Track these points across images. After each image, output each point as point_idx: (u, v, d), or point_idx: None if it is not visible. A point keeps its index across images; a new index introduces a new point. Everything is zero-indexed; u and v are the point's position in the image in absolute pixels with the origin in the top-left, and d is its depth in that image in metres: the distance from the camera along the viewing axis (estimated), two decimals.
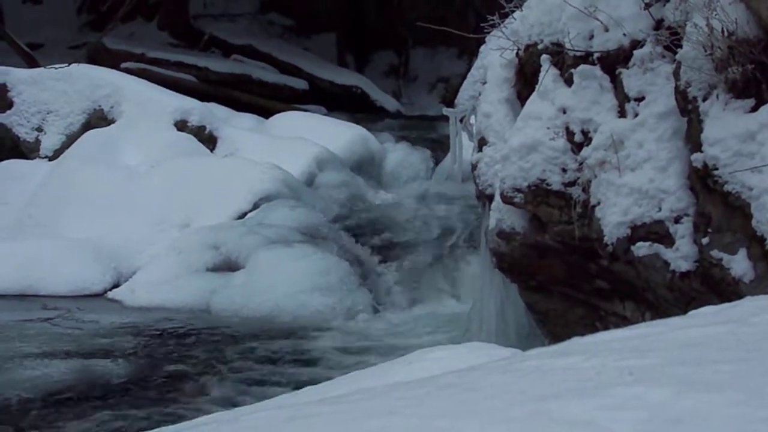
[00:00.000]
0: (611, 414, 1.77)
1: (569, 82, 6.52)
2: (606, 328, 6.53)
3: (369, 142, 13.19)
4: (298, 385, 6.80)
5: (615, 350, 2.36)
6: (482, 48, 10.12)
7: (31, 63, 15.37)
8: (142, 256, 10.45)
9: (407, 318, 9.28)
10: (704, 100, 5.52)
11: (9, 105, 12.86)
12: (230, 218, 10.79)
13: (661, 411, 1.77)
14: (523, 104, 6.97)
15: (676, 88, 5.74)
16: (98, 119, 12.66)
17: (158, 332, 8.82)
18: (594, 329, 6.60)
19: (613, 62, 6.31)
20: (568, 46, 6.48)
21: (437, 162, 13.03)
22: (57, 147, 12.55)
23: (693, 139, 5.60)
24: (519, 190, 6.61)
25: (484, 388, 2.16)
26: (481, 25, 7.61)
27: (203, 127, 12.56)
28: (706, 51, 5.47)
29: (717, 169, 5.35)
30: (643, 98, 6.10)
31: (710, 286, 5.59)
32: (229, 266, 9.96)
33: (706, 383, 1.89)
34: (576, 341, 2.72)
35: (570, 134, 6.43)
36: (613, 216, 6.03)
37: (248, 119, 14.00)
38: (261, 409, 3.46)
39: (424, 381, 2.53)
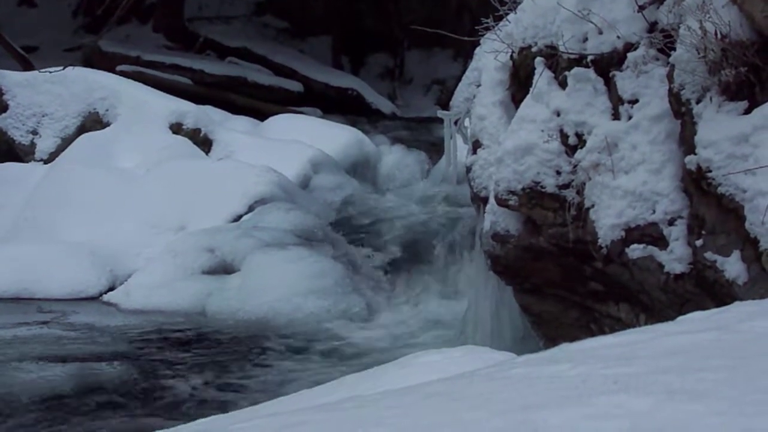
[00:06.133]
0: (594, 423, 1.77)
1: (563, 84, 6.52)
2: (601, 330, 6.54)
3: (364, 145, 13.19)
4: (294, 388, 6.81)
5: (602, 357, 2.36)
6: (477, 50, 10.11)
7: (26, 66, 15.37)
8: (138, 259, 10.44)
9: (402, 321, 9.28)
10: (698, 102, 5.52)
11: (4, 108, 12.86)
12: (225, 221, 10.79)
13: (643, 420, 1.77)
14: (517, 107, 6.97)
15: (670, 90, 5.74)
16: (93, 122, 12.65)
17: (153, 335, 8.81)
18: (589, 331, 6.60)
19: (607, 65, 6.31)
20: (562, 48, 6.48)
21: (432, 164, 13.03)
22: (52, 150, 12.55)
23: (687, 142, 5.60)
24: (513, 193, 6.61)
25: (470, 396, 2.16)
26: (476, 27, 7.60)
27: (198, 130, 12.56)
28: (699, 54, 5.47)
29: (711, 171, 5.35)
30: (636, 101, 6.10)
31: (704, 288, 5.60)
32: (224, 269, 9.96)
33: (689, 392, 1.89)
34: (565, 348, 2.73)
35: (564, 137, 6.43)
36: (608, 218, 6.04)
37: (243, 122, 14.00)
38: (254, 415, 3.46)
39: (412, 389, 2.53)
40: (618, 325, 6.37)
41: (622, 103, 6.17)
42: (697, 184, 5.53)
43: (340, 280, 9.59)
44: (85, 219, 10.86)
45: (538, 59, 6.72)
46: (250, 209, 10.91)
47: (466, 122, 8.89)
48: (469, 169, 7.66)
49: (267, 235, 10.20)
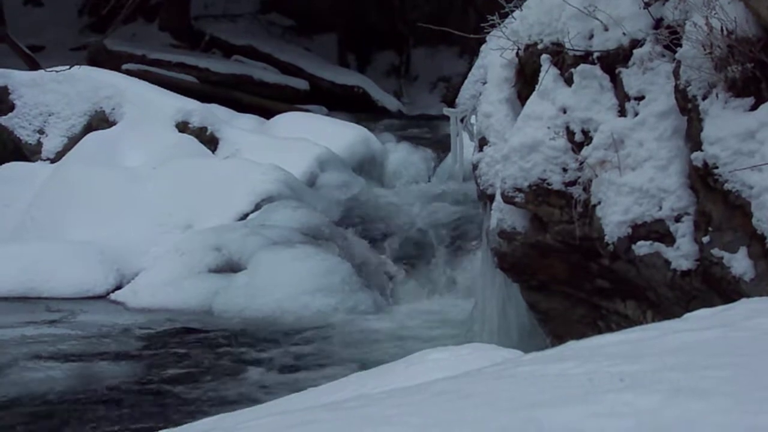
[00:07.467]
0: (600, 422, 1.78)
1: (569, 81, 6.52)
2: (607, 327, 6.54)
3: (370, 142, 13.20)
4: (301, 386, 6.81)
5: (608, 355, 2.36)
6: (483, 47, 10.11)
7: (33, 65, 15.40)
8: (145, 257, 10.46)
9: (409, 318, 9.29)
10: (704, 98, 5.52)
11: (10, 108, 12.88)
12: (232, 219, 10.80)
13: (649, 419, 1.77)
14: (523, 104, 6.97)
15: (676, 87, 5.73)
16: (100, 121, 12.67)
17: (161, 334, 8.83)
18: (595, 328, 6.61)
19: (613, 61, 6.31)
20: (567, 45, 6.47)
21: (439, 162, 13.03)
22: (59, 149, 12.58)
23: (693, 138, 5.60)
24: (520, 190, 6.62)
25: (477, 395, 2.17)
26: (481, 24, 7.59)
27: (204, 129, 12.57)
28: (705, 50, 5.47)
29: (717, 167, 5.35)
30: (643, 97, 6.10)
31: (711, 285, 5.59)
32: (231, 267, 9.97)
33: (694, 390, 1.89)
34: (571, 345, 2.73)
35: (570, 134, 6.43)
36: (614, 215, 6.03)
37: (249, 120, 14.01)
38: (261, 414, 3.47)
39: (419, 387, 2.54)
40: (625, 322, 6.37)
41: (629, 100, 6.17)
42: (703, 180, 5.53)
43: (347, 277, 9.59)
44: (91, 218, 10.88)
45: (544, 56, 6.72)
46: (257, 207, 10.92)
47: (473, 119, 8.87)
48: (475, 167, 7.66)
49: (274, 233, 10.21)
